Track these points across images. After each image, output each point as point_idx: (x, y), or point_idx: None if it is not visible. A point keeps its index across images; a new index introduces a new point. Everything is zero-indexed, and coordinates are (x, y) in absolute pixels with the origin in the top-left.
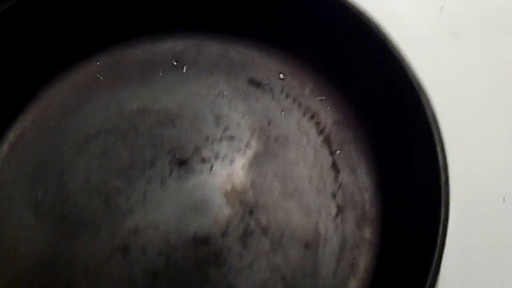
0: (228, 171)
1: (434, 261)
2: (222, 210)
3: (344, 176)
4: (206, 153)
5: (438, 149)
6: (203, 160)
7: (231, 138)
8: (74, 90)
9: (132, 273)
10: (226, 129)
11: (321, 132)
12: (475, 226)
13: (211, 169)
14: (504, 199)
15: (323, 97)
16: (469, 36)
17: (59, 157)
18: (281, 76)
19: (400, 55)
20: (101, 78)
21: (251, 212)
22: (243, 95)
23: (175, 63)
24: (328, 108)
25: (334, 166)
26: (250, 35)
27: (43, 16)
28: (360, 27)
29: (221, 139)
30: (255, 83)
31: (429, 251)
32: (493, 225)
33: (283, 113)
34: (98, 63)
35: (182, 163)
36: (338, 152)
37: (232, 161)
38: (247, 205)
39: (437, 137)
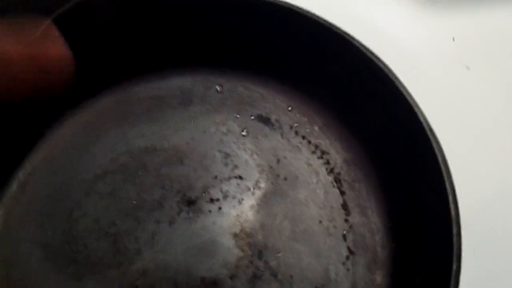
0: (237, 211)
1: None
2: (231, 252)
3: (354, 216)
4: (215, 192)
5: (450, 198)
6: (212, 200)
7: (240, 178)
8: (83, 129)
9: None
10: (234, 168)
11: (331, 171)
12: (488, 266)
13: (219, 209)
14: None
15: (333, 136)
16: (482, 69)
17: (68, 197)
18: (290, 113)
19: (410, 96)
20: (109, 116)
21: (260, 255)
22: (252, 132)
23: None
24: (338, 146)
25: (345, 206)
26: (258, 71)
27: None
28: (370, 68)
29: (229, 178)
30: (264, 120)
31: None
32: (509, 264)
33: (292, 151)
34: (106, 102)
35: (191, 203)
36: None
37: (241, 201)
38: (256, 247)
39: (449, 186)
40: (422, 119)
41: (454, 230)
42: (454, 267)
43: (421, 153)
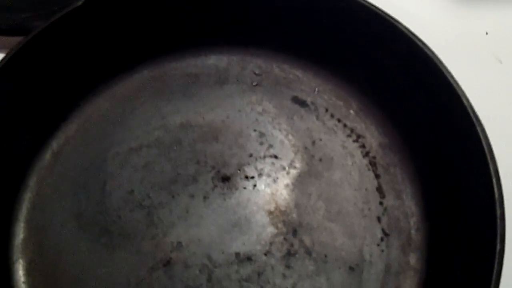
0: (271, 189)
1: None
2: (266, 229)
3: (389, 199)
4: (250, 170)
5: (494, 181)
6: (247, 177)
7: (275, 157)
8: (118, 101)
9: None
10: (269, 147)
11: (366, 154)
12: None
13: (254, 186)
14: None
15: (369, 120)
16: None
17: (101, 168)
18: (326, 96)
19: (456, 83)
20: (144, 90)
21: (294, 233)
22: (287, 113)
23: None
24: (374, 130)
25: (379, 189)
26: (296, 54)
27: (90, 28)
28: (414, 52)
29: (264, 157)
30: (299, 102)
31: (482, 286)
32: None
33: (327, 133)
34: (142, 76)
35: (225, 179)
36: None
37: (275, 180)
38: (291, 225)
39: (493, 169)
40: (467, 104)
41: (498, 212)
42: (498, 247)
43: (464, 138)
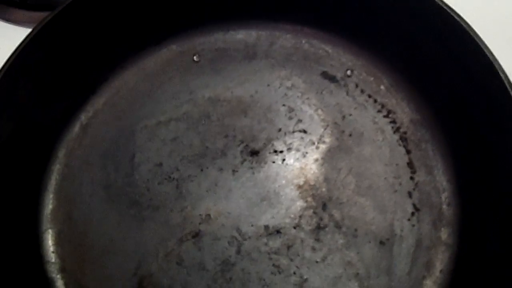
0: (300, 164)
1: None
2: (295, 202)
3: (420, 175)
4: (279, 145)
5: None
6: (276, 152)
7: (304, 131)
8: (146, 75)
9: (203, 259)
10: (299, 122)
11: (397, 130)
12: None
13: (283, 161)
14: None
15: (400, 96)
16: None
17: (130, 141)
18: (356, 71)
19: (493, 56)
20: (172, 64)
21: (324, 207)
22: (317, 89)
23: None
24: (405, 106)
25: (410, 164)
26: (325, 29)
27: (118, 2)
28: (449, 25)
29: (293, 132)
30: (329, 77)
31: None
32: None
33: (357, 108)
34: (170, 50)
35: (254, 154)
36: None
37: (305, 154)
38: (320, 199)
39: None
40: (505, 79)
41: None
42: None
43: (501, 114)
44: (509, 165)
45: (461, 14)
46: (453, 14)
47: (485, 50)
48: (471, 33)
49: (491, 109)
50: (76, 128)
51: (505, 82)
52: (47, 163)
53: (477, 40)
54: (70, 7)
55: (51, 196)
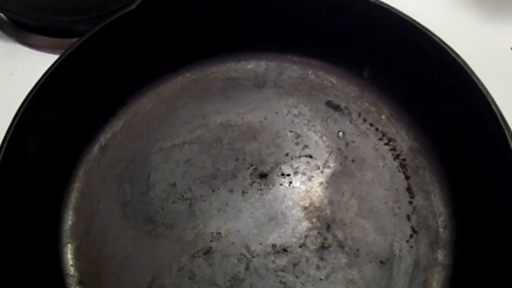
0: (306, 187)
1: None
2: (301, 223)
3: (418, 199)
4: (286, 168)
5: None
6: (283, 175)
7: (310, 156)
8: (162, 101)
9: (214, 275)
10: (305, 147)
11: (397, 157)
12: None
13: (290, 183)
14: None
15: (399, 125)
16: None
17: (146, 162)
18: (359, 101)
19: (486, 90)
20: (187, 91)
21: (328, 227)
22: (322, 116)
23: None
24: (405, 135)
25: (409, 190)
26: (331, 61)
27: (139, 31)
28: (446, 61)
29: (300, 157)
30: (334, 106)
31: (507, 281)
32: None
33: (360, 136)
34: (185, 78)
35: (263, 176)
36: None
37: (310, 178)
38: (324, 220)
39: None
40: (496, 110)
41: None
42: None
43: (493, 142)
44: (500, 191)
45: (457, 51)
46: (450, 52)
47: (479, 85)
48: (466, 69)
49: (484, 138)
50: (95, 148)
51: (497, 113)
52: (68, 181)
53: (471, 75)
54: (95, 35)
55: (70, 212)
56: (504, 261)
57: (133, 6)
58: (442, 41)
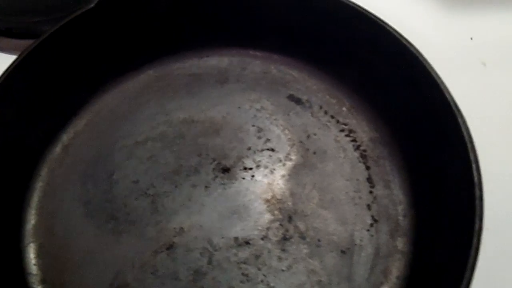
0: (268, 180)
1: (467, 272)
2: (263, 215)
3: (379, 189)
4: (248, 162)
5: (474, 166)
6: (245, 169)
7: (272, 150)
8: (125, 98)
9: (176, 269)
10: (267, 141)
11: (357, 148)
12: (505, 242)
13: (252, 177)
14: None
15: (360, 116)
16: (497, 65)
17: (109, 160)
18: (320, 94)
19: (440, 79)
20: (149, 88)
21: (290, 219)
22: (284, 110)
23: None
24: (365, 126)
25: (370, 180)
26: (292, 55)
27: (99, 30)
28: (401, 52)
29: (262, 150)
30: (295, 100)
31: (462, 263)
32: None
33: (321, 128)
34: (148, 75)
35: (226, 170)
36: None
37: (272, 171)
38: (286, 212)
39: (473, 155)
40: (449, 97)
41: (477, 193)
42: (477, 226)
43: (447, 128)
44: (455, 178)
45: (417, 42)
46: (404, 41)
47: (432, 74)
48: (420, 58)
49: (439, 126)
50: (58, 148)
51: (450, 100)
52: (30, 181)
53: (425, 64)
54: (53, 35)
55: (33, 212)
56: (458, 247)
57: (92, 4)
58: (396, 31)
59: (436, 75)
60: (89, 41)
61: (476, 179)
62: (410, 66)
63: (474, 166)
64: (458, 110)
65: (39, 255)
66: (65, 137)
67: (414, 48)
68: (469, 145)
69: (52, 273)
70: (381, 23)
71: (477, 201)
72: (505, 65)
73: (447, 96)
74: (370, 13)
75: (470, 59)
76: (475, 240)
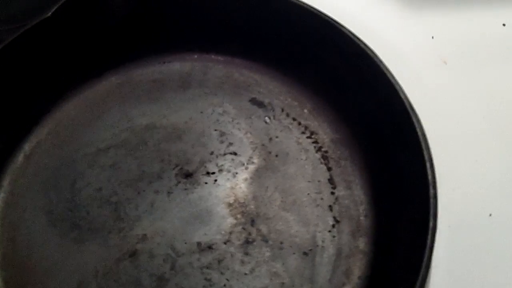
0: (231, 183)
1: (423, 269)
2: (225, 219)
3: (340, 190)
4: (211, 166)
5: (428, 165)
6: (208, 173)
7: (234, 154)
8: (87, 106)
9: (139, 276)
10: (229, 145)
11: (319, 149)
12: (462, 240)
13: (215, 181)
14: (490, 215)
15: (321, 118)
16: (458, 64)
17: (71, 168)
18: (282, 97)
19: (394, 79)
20: (111, 95)
21: (252, 222)
22: (246, 114)
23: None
24: (326, 127)
25: (331, 181)
26: (254, 59)
27: (58, 38)
28: (357, 53)
29: (225, 154)
30: (257, 103)
31: (418, 261)
32: (480, 239)
33: (283, 131)
34: (109, 82)
35: (188, 176)
36: (335, 168)
37: (235, 174)
38: (248, 215)
39: (427, 154)
40: (403, 96)
41: (431, 192)
42: (431, 224)
43: (403, 128)
44: (412, 178)
45: (374, 44)
46: (359, 43)
47: (387, 74)
48: (375, 59)
49: (396, 127)
50: (20, 157)
51: (404, 100)
52: None
53: (380, 65)
54: (12, 44)
55: None
56: (415, 245)
57: (49, 13)
58: (351, 32)
59: (391, 76)
60: (49, 50)
61: (430, 177)
62: (366, 67)
63: (428, 165)
64: (413, 109)
65: (2, 265)
66: (27, 147)
67: (369, 49)
68: (423, 144)
69: (15, 284)
70: (336, 24)
71: (431, 200)
72: (466, 63)
73: (402, 96)
74: (325, 15)
75: (431, 58)
76: (429, 238)
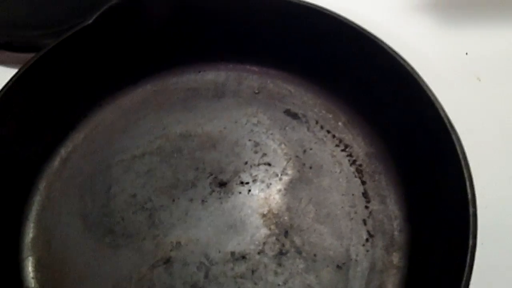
0: (265, 194)
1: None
2: (259, 230)
3: (374, 204)
4: (245, 176)
5: (467, 183)
6: (242, 183)
7: (268, 164)
8: (122, 113)
9: (173, 284)
10: (263, 155)
11: (353, 162)
12: (501, 256)
13: (249, 191)
14: None
15: (356, 131)
16: (492, 80)
17: (106, 174)
18: (316, 109)
19: (434, 97)
20: (147, 103)
21: (286, 234)
22: (280, 125)
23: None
24: (361, 141)
25: (365, 194)
26: (289, 70)
27: (98, 45)
28: (395, 68)
29: (259, 165)
30: (292, 114)
31: (456, 279)
32: None
33: (317, 143)
34: (145, 90)
35: (222, 185)
36: (369, 182)
37: (269, 185)
38: (282, 226)
39: (466, 173)
40: (443, 115)
41: (471, 210)
42: (471, 243)
43: (441, 145)
44: (450, 194)
45: (410, 60)
46: (398, 59)
47: (427, 91)
48: (414, 75)
49: (433, 142)
50: (56, 162)
51: (444, 117)
52: (29, 194)
53: (419, 81)
54: (54, 50)
55: (31, 225)
56: (452, 263)
57: (90, 21)
58: (390, 48)
59: (430, 92)
60: (88, 56)
61: (470, 196)
62: (404, 83)
63: (468, 183)
64: (452, 127)
65: (37, 268)
66: (63, 151)
67: (408, 64)
68: (463, 163)
69: (50, 286)
70: (376, 39)
71: (471, 218)
72: (500, 80)
73: (441, 113)
74: (363, 29)
75: (465, 74)
76: (469, 257)
